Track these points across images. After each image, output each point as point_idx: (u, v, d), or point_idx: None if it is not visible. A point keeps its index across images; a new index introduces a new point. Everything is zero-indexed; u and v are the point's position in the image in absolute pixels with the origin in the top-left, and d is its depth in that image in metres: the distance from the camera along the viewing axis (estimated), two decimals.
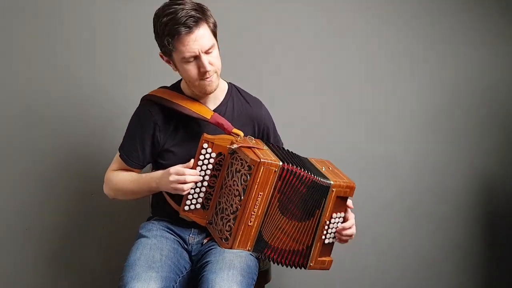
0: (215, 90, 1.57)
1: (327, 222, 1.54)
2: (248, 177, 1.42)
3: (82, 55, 1.98)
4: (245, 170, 1.43)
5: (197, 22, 1.44)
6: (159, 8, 1.47)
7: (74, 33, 1.97)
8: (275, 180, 1.45)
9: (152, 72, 1.96)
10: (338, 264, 2.14)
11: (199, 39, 1.45)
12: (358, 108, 2.24)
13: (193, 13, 1.43)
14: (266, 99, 2.07)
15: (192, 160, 1.49)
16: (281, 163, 1.45)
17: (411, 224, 2.31)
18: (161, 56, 1.56)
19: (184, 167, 1.49)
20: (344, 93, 2.23)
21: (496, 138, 2.36)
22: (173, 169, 1.48)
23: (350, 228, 1.57)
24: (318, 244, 1.55)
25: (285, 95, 2.17)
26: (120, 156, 1.62)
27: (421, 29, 2.27)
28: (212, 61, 1.49)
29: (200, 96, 1.60)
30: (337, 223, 1.56)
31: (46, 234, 2.01)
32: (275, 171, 1.43)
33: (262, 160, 1.41)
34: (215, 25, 1.51)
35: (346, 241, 1.59)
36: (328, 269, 1.61)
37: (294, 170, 1.47)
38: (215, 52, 1.51)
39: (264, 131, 1.70)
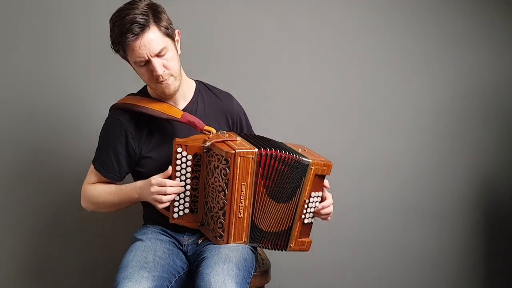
0: (174, 92, 1.53)
1: (306, 201, 1.54)
2: (228, 170, 1.41)
3: (75, 52, 1.98)
4: (223, 164, 1.42)
5: (143, 27, 1.40)
6: (113, 13, 1.46)
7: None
8: (255, 167, 1.44)
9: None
10: (338, 264, 2.16)
11: (147, 43, 1.41)
12: (358, 108, 2.23)
13: (139, 18, 1.40)
14: (267, 99, 2.06)
15: (170, 168, 1.46)
16: (256, 150, 1.44)
17: (412, 224, 2.32)
18: (122, 58, 1.53)
19: (164, 177, 1.46)
20: (344, 93, 2.22)
21: (497, 137, 2.35)
22: (154, 180, 1.45)
23: (328, 206, 1.57)
24: (298, 223, 1.55)
25: (285, 95, 2.17)
26: (95, 168, 1.59)
27: (421, 29, 2.25)
28: (166, 64, 1.46)
29: (165, 98, 1.56)
30: (316, 202, 1.55)
31: (45, 234, 2.02)
32: (252, 158, 1.43)
33: (237, 150, 1.41)
34: (167, 27, 1.47)
35: (326, 218, 1.59)
36: (307, 251, 1.60)
37: (271, 153, 1.46)
38: (169, 54, 1.47)
39: (238, 123, 1.70)
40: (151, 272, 1.37)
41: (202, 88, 1.67)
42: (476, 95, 2.32)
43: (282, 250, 1.58)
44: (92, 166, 1.60)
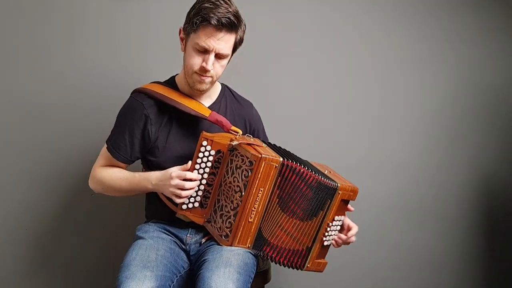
0: (203, 91, 1.56)
1: (329, 224, 1.55)
2: (250, 172, 1.42)
3: (74, 53, 1.98)
4: (246, 166, 1.43)
5: (230, 26, 1.46)
6: None
7: (68, 29, 1.97)
8: (276, 176, 1.44)
9: (145, 68, 1.97)
10: (339, 264, 2.16)
11: (222, 41, 1.47)
12: (358, 108, 2.24)
13: (231, 17, 1.45)
14: (267, 99, 2.06)
15: (190, 162, 1.46)
16: (281, 159, 1.44)
17: (412, 224, 2.31)
18: (180, 30, 1.55)
19: (183, 169, 1.46)
20: (345, 94, 2.22)
21: (497, 137, 2.36)
22: (175, 173, 1.45)
23: (353, 236, 1.61)
24: (318, 245, 1.56)
25: (285, 95, 2.17)
26: (107, 148, 1.58)
27: (421, 30, 2.26)
28: (216, 66, 1.51)
29: (194, 94, 1.59)
30: (338, 225, 1.57)
31: (46, 234, 2.00)
32: (275, 166, 1.43)
33: (263, 155, 1.41)
34: (240, 42, 1.54)
35: (340, 245, 1.63)
36: (322, 272, 1.62)
37: (294, 167, 1.47)
38: (224, 61, 1.53)
39: (255, 133, 1.72)
40: (154, 272, 1.37)
41: (226, 92, 1.71)
42: (477, 95, 2.32)
43: (298, 269, 1.58)
44: (104, 148, 1.59)
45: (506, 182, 2.37)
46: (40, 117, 1.97)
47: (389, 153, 2.26)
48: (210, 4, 1.45)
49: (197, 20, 1.45)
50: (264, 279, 1.71)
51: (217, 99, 1.66)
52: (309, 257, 1.56)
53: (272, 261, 1.55)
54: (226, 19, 1.44)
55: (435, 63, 2.28)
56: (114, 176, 1.56)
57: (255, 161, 1.41)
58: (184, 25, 1.52)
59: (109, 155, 1.58)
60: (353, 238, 1.61)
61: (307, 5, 2.16)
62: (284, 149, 1.59)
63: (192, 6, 1.50)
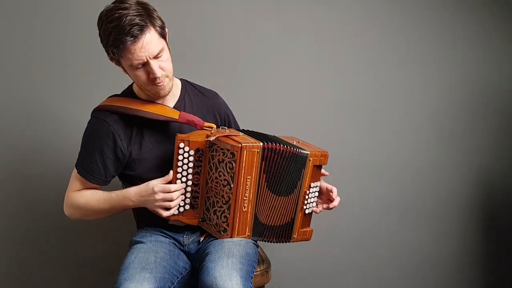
0: (168, 92, 1.49)
1: (307, 192, 1.56)
2: (234, 164, 1.41)
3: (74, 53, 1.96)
4: (228, 158, 1.42)
5: (142, 29, 1.34)
6: (102, 12, 1.37)
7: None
8: (260, 161, 1.45)
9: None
10: (339, 264, 2.15)
11: (146, 45, 1.35)
12: (358, 108, 2.24)
13: (137, 20, 1.33)
14: (267, 99, 2.07)
15: (171, 172, 1.43)
16: (261, 144, 1.45)
17: (412, 224, 2.33)
18: (110, 59, 1.44)
19: (165, 182, 1.42)
20: (344, 94, 2.22)
21: (496, 138, 2.37)
22: (157, 187, 1.40)
23: (334, 199, 1.60)
24: (300, 214, 1.57)
25: (285, 95, 2.17)
26: (78, 173, 1.50)
27: (421, 30, 2.26)
28: (162, 66, 1.41)
29: (156, 98, 1.52)
30: (315, 192, 1.58)
31: (46, 234, 2.01)
32: (257, 152, 1.44)
33: (243, 144, 1.41)
34: (162, 27, 1.41)
35: (330, 207, 1.62)
36: (309, 240, 1.63)
37: (275, 148, 1.47)
38: (165, 55, 1.42)
39: (225, 120, 1.69)
40: (153, 274, 1.36)
41: (187, 86, 1.64)
42: (476, 95, 2.33)
43: (285, 242, 1.59)
44: (74, 172, 1.52)
45: (506, 182, 2.38)
46: (40, 117, 1.96)
47: (389, 153, 2.27)
48: (112, 23, 1.32)
49: (113, 50, 1.35)
50: (264, 279, 1.70)
51: (180, 96, 1.59)
52: (293, 227, 1.57)
53: (264, 241, 1.58)
54: (134, 26, 1.32)
55: (435, 63, 2.28)
56: (90, 198, 1.49)
57: (236, 151, 1.40)
58: (108, 55, 1.41)
59: (82, 179, 1.50)
60: (336, 201, 1.60)
61: (307, 4, 2.15)
62: (258, 132, 1.58)
63: (99, 34, 1.38)
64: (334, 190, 1.60)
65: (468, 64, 2.31)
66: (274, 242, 1.58)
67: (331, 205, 1.61)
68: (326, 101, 2.20)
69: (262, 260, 1.75)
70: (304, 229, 1.60)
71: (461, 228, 2.36)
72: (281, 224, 1.56)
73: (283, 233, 1.57)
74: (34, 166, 1.98)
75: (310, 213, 1.61)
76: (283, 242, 1.59)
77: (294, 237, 1.58)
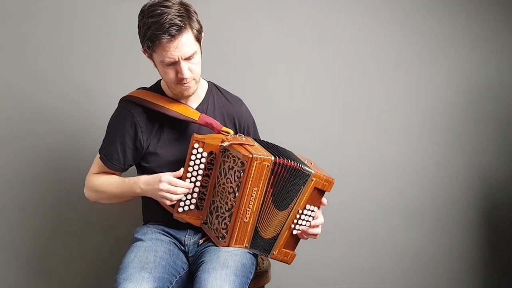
0: (192, 94, 1.54)
1: (300, 211, 1.50)
2: (242, 173, 1.41)
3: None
4: (238, 166, 1.42)
5: (180, 30, 1.38)
6: (145, 5, 1.42)
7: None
8: (269, 175, 1.43)
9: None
10: (339, 264, 2.14)
11: (181, 46, 1.40)
12: (357, 109, 2.22)
13: (177, 20, 1.38)
14: (267, 99, 2.06)
15: (182, 169, 1.47)
16: (273, 158, 1.43)
17: (412, 224, 2.31)
18: (143, 52, 1.50)
19: (175, 176, 1.46)
20: (345, 94, 2.21)
21: (496, 138, 2.34)
22: (164, 177, 1.45)
23: (318, 226, 1.53)
24: (286, 233, 1.52)
25: (285, 95, 2.16)
26: (100, 158, 1.57)
27: (421, 30, 2.24)
28: (192, 68, 1.46)
29: (180, 97, 1.56)
30: (309, 216, 1.51)
31: (45, 234, 2.01)
32: (268, 165, 1.42)
33: (254, 155, 1.40)
34: (199, 31, 1.46)
35: (307, 238, 1.55)
36: (289, 264, 1.56)
37: (286, 164, 1.45)
38: (196, 58, 1.46)
39: (245, 129, 1.69)
40: (152, 273, 1.36)
41: (213, 89, 1.66)
42: (476, 95, 2.31)
43: (265, 255, 1.54)
44: (97, 156, 1.59)
45: (506, 182, 2.35)
46: (40, 117, 1.97)
47: (389, 154, 2.25)
48: (153, 18, 1.37)
49: (148, 44, 1.41)
50: (264, 279, 1.71)
51: (204, 98, 1.63)
52: (276, 243, 1.51)
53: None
54: (173, 26, 1.37)
55: (436, 64, 2.26)
56: (106, 182, 1.56)
57: (246, 161, 1.40)
58: (142, 47, 1.46)
59: (102, 164, 1.58)
60: (317, 229, 1.52)
61: (307, 3, 2.14)
62: (275, 145, 1.57)
63: (138, 26, 1.44)
64: (320, 219, 1.53)
65: (470, 66, 2.29)
66: (257, 253, 1.54)
67: (310, 230, 1.52)
68: (327, 102, 2.20)
69: (262, 260, 1.75)
70: (287, 250, 1.54)
71: (461, 229, 2.34)
72: (268, 237, 1.52)
73: (266, 245, 1.52)
74: (34, 166, 1.98)
75: (297, 236, 1.54)
76: (263, 254, 1.54)
77: (273, 254, 1.53)
